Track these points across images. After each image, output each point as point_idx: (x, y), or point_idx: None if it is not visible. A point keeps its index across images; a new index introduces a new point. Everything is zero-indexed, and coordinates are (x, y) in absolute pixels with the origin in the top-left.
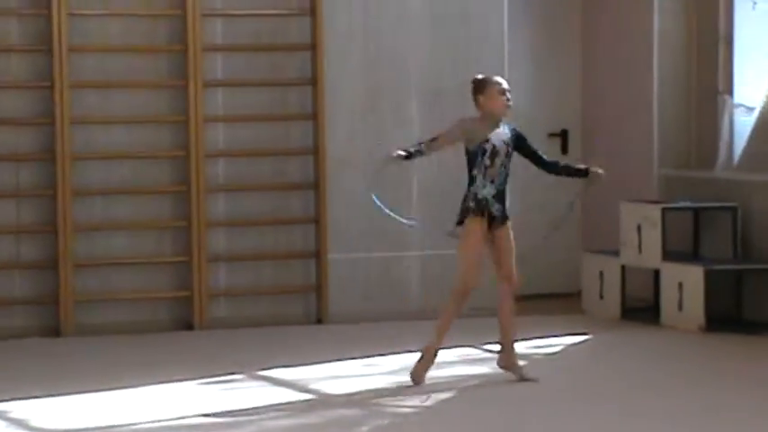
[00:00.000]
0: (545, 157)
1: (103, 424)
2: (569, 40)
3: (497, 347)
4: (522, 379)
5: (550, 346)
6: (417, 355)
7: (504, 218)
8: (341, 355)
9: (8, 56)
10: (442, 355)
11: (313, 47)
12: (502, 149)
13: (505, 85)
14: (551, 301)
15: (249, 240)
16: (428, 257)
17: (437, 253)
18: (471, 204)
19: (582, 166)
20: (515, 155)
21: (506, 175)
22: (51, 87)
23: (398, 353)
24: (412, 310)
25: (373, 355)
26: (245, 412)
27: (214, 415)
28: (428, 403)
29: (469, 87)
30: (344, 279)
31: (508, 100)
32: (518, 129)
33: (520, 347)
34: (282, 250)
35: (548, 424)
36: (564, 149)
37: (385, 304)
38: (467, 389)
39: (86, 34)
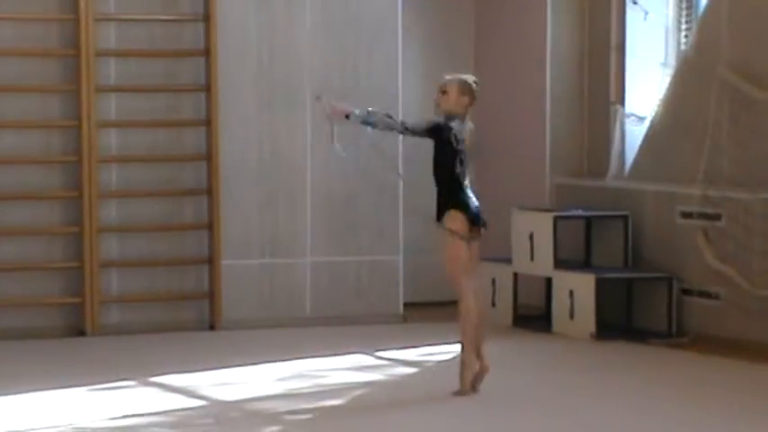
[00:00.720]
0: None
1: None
2: (462, 48)
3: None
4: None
5: (440, 353)
6: (307, 362)
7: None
8: (232, 362)
9: None
10: (336, 362)
11: (207, 52)
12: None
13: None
14: (442, 308)
15: (142, 246)
16: (320, 264)
17: (328, 260)
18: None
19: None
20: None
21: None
22: None
23: (290, 359)
24: (305, 317)
25: (265, 362)
26: (134, 418)
27: (104, 420)
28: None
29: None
30: (238, 285)
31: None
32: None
33: (409, 354)
34: (176, 256)
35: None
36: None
37: (278, 311)
38: (355, 396)
39: None
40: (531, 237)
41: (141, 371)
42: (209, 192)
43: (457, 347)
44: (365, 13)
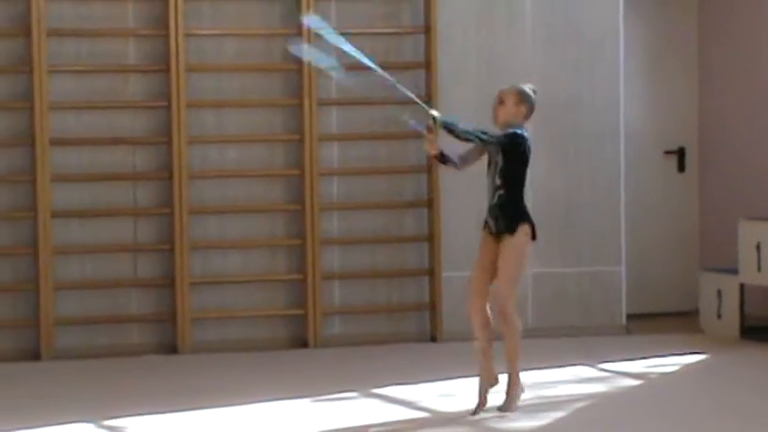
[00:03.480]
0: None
1: None
2: (686, 55)
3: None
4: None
5: (667, 365)
6: (529, 374)
7: (502, 230)
8: (454, 374)
9: (126, 76)
10: (552, 375)
11: (427, 65)
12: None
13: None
14: (668, 320)
15: (363, 258)
16: (542, 275)
17: (550, 271)
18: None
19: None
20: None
21: (496, 183)
22: (168, 107)
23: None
24: (527, 328)
25: None
26: (357, 430)
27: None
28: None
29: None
30: (458, 297)
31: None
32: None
33: (632, 366)
34: (396, 268)
35: None
36: (681, 167)
37: (496, 322)
38: (578, 409)
39: (202, 54)
40: (758, 247)
41: (364, 382)
42: (430, 203)
43: (682, 359)
44: (586, 23)
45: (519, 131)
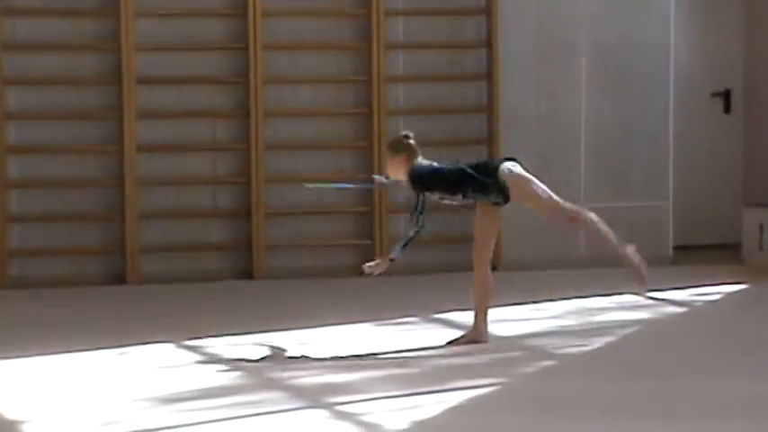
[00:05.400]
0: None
1: (286, 355)
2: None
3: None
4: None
5: (710, 294)
6: (580, 302)
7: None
8: (511, 300)
9: (207, 19)
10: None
11: (488, 11)
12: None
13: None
14: (712, 252)
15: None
16: (593, 210)
17: (601, 206)
18: None
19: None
20: None
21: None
22: (246, 49)
23: (563, 299)
24: (579, 259)
25: (542, 301)
26: (417, 351)
27: (387, 353)
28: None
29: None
30: (515, 229)
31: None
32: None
33: (678, 295)
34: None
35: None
36: (726, 109)
37: (554, 253)
38: (625, 334)
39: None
40: None
41: (425, 308)
42: (489, 142)
43: (724, 289)
44: None
45: (411, 172)
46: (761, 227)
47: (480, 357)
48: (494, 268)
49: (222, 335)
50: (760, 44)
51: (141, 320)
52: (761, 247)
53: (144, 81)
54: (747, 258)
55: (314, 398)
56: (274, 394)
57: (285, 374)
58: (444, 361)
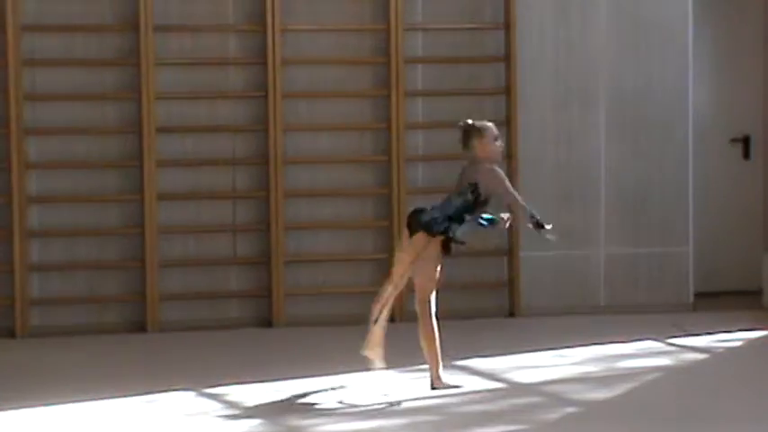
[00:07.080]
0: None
1: (307, 403)
2: (753, 46)
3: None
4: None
5: (731, 340)
6: (600, 348)
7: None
8: (531, 347)
9: (226, 68)
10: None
11: (507, 58)
12: None
13: (497, 130)
14: (733, 298)
15: None
16: (613, 256)
17: (621, 252)
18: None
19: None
20: None
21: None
22: (266, 97)
23: (583, 345)
24: (599, 306)
25: (560, 347)
26: (437, 398)
27: (415, 401)
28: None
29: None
30: (535, 275)
31: (502, 145)
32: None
33: (699, 341)
34: (478, 248)
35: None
36: (746, 155)
37: (572, 299)
38: (648, 380)
39: (298, 48)
40: None
41: (445, 354)
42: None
43: (745, 335)
44: (656, 14)
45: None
46: None
47: (504, 404)
48: (510, 314)
49: (242, 383)
50: None
51: (162, 368)
52: None
53: (164, 130)
54: None
55: None
56: None
57: (305, 422)
58: (468, 408)
